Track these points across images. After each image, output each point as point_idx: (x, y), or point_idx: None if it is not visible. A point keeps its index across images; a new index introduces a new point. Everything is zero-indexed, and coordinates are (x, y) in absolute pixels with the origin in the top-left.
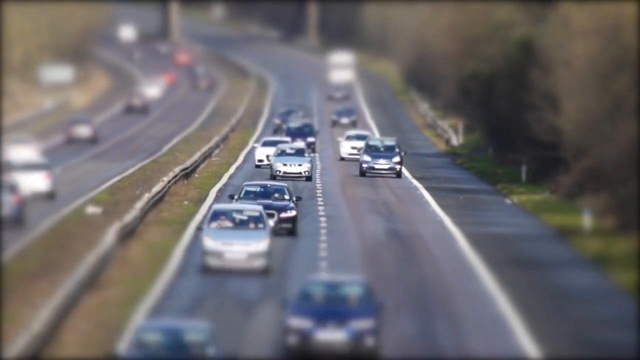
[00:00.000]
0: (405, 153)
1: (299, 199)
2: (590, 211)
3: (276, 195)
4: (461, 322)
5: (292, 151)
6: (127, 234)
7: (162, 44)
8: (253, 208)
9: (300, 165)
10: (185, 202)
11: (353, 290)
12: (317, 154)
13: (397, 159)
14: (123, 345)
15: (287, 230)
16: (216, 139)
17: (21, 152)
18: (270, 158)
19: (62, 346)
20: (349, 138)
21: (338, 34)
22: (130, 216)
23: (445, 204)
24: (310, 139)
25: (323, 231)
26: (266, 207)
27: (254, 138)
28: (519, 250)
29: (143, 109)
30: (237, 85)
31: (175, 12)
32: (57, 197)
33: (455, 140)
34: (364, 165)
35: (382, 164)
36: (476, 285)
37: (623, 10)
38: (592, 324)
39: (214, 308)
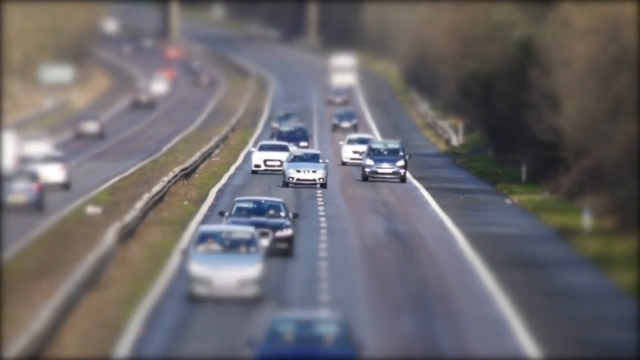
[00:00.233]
0: (410, 156)
1: (295, 216)
2: (590, 211)
3: (271, 211)
4: (461, 322)
5: (306, 156)
6: (127, 234)
7: (147, 38)
8: (244, 230)
9: (314, 171)
10: (185, 202)
11: (328, 329)
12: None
13: (401, 162)
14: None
15: (283, 250)
16: (216, 139)
17: (35, 147)
18: (268, 162)
19: (62, 346)
20: (350, 142)
21: (338, 34)
22: (130, 216)
23: (445, 204)
24: (303, 144)
25: (323, 231)
26: (260, 225)
27: (254, 138)
28: (519, 250)
29: (149, 105)
30: (237, 85)
31: (175, 12)
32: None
33: (455, 140)
34: (367, 170)
35: (385, 168)
36: (476, 285)
37: (623, 10)
38: (592, 324)
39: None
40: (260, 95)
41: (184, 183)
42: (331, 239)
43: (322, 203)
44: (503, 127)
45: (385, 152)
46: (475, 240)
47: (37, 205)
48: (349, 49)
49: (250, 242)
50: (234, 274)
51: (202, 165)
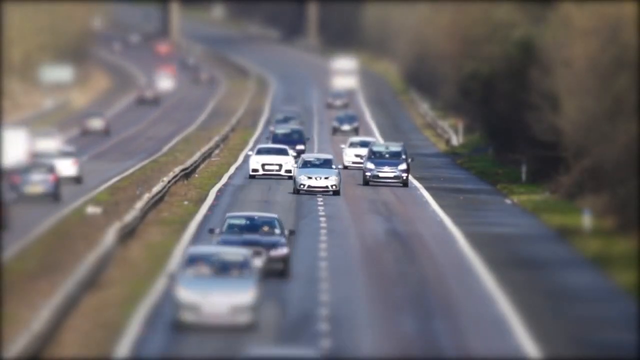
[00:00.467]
0: (413, 160)
1: (292, 233)
2: (590, 211)
3: (265, 228)
4: (461, 322)
5: (318, 162)
6: (127, 234)
7: (133, 35)
8: (236, 251)
9: (327, 178)
10: (185, 202)
11: None
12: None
13: (403, 166)
14: None
15: (278, 271)
16: (216, 139)
17: (46, 143)
18: (266, 167)
19: (62, 346)
20: (352, 145)
21: (338, 34)
22: (130, 216)
23: (445, 204)
24: (300, 147)
25: (323, 231)
26: (252, 243)
27: (254, 138)
28: (519, 250)
29: (154, 101)
30: (237, 85)
31: (175, 12)
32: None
33: (455, 140)
34: (368, 174)
35: (387, 172)
36: (476, 285)
37: (623, 10)
38: (592, 324)
39: None
40: (261, 95)
41: (184, 183)
42: (331, 239)
43: (322, 203)
44: (503, 127)
45: (387, 155)
46: (475, 240)
47: (54, 196)
48: (349, 49)
49: (243, 265)
50: (225, 300)
51: (202, 165)
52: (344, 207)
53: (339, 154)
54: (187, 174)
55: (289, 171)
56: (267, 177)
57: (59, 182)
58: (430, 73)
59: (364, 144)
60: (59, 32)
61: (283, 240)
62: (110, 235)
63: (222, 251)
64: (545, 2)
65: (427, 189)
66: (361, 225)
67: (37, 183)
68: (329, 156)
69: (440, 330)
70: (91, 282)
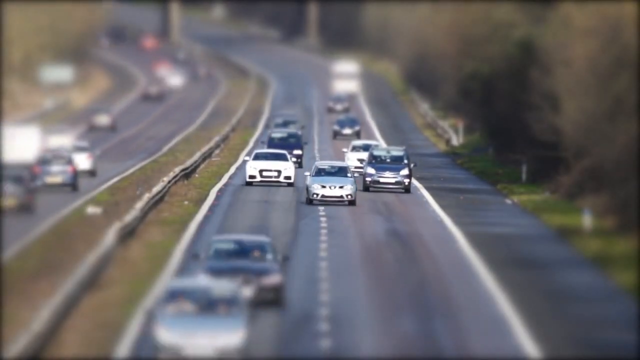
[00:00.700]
0: (415, 165)
1: (285, 259)
2: (590, 211)
3: (255, 253)
4: (461, 322)
5: (333, 170)
6: (127, 234)
7: (119, 30)
8: (224, 285)
9: (342, 187)
10: (185, 202)
11: None
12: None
13: (405, 171)
14: None
15: (270, 301)
16: (216, 139)
17: (58, 140)
18: (264, 173)
19: (62, 346)
20: (355, 149)
21: (338, 34)
22: (130, 216)
23: (445, 204)
24: (297, 152)
25: (323, 231)
26: (241, 270)
27: (254, 138)
28: (519, 250)
29: (159, 97)
30: (237, 85)
31: (176, 12)
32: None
33: (456, 140)
34: (368, 179)
35: (388, 177)
36: (476, 286)
37: (623, 10)
38: (592, 324)
39: None
40: (261, 95)
41: (184, 183)
42: (331, 239)
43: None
44: (503, 127)
45: (388, 160)
46: (475, 240)
47: (72, 186)
48: (348, 49)
49: (231, 301)
50: (210, 342)
51: (203, 165)
52: (344, 207)
53: (341, 157)
54: (188, 174)
55: (288, 177)
56: (266, 184)
57: (77, 173)
58: (430, 73)
59: (367, 148)
60: (59, 32)
61: (275, 266)
62: (110, 235)
63: (207, 285)
64: (545, 2)
65: (427, 189)
66: (361, 225)
67: (57, 174)
68: (344, 164)
69: (440, 330)
70: (91, 282)
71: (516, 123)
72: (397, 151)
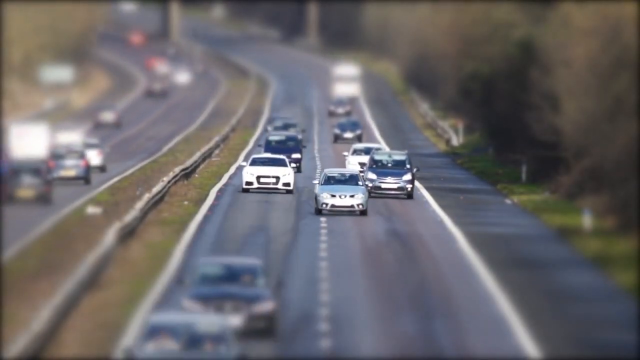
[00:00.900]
0: (418, 170)
1: (279, 284)
2: (590, 211)
3: (245, 278)
4: (461, 322)
5: (343, 178)
6: (127, 234)
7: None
8: (211, 320)
9: (352, 196)
10: (185, 202)
11: None
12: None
13: (408, 176)
14: None
15: (261, 330)
16: (216, 139)
17: (67, 137)
18: (262, 180)
19: (62, 346)
20: (356, 152)
21: (338, 34)
22: (130, 216)
23: (445, 204)
24: (296, 155)
25: (323, 231)
26: (230, 296)
27: (254, 138)
28: (519, 250)
29: (162, 94)
30: (238, 85)
31: (176, 12)
32: (52, 202)
33: (456, 140)
34: (369, 185)
35: (389, 182)
36: (476, 285)
37: (623, 10)
38: (592, 324)
39: None
40: (261, 95)
41: (184, 183)
42: (331, 239)
43: None
44: (503, 127)
45: (390, 165)
46: (475, 240)
47: (85, 179)
48: (348, 49)
49: (218, 338)
50: None
51: (202, 165)
52: None
53: (342, 160)
54: (187, 174)
55: (287, 184)
56: (264, 191)
57: (89, 167)
58: (430, 73)
59: (369, 151)
60: (59, 32)
61: (267, 292)
62: (110, 236)
63: (192, 320)
64: (545, 2)
65: (427, 189)
66: (361, 225)
67: (71, 167)
68: (354, 172)
69: (440, 330)
70: (91, 282)
71: (516, 123)
72: (399, 155)
